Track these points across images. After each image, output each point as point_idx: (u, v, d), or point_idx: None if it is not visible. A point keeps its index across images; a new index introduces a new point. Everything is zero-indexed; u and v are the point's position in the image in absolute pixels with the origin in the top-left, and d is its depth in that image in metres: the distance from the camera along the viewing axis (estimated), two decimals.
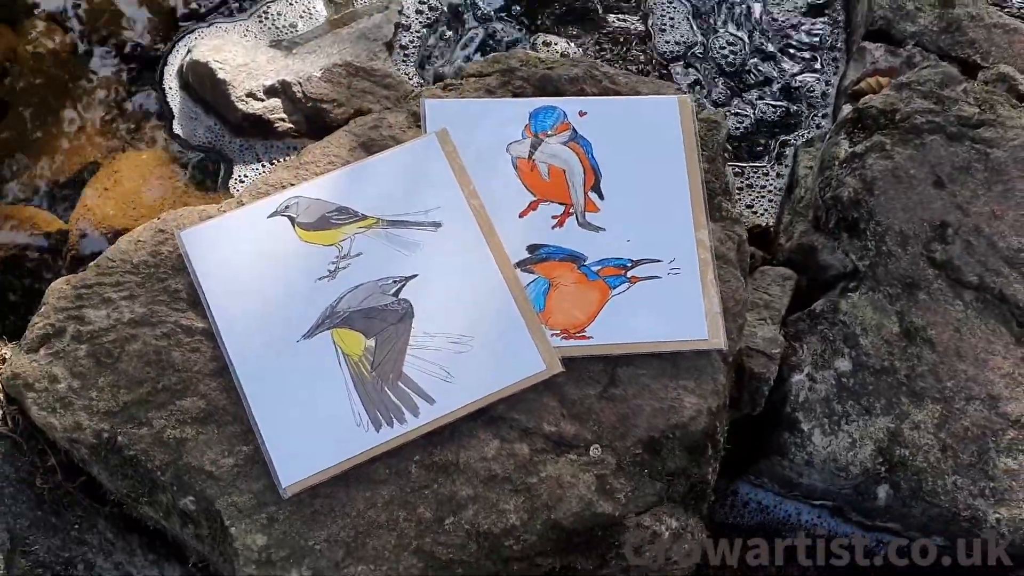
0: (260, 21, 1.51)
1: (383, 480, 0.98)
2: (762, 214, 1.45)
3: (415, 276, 1.06)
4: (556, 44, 1.50)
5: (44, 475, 1.06)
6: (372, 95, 1.39)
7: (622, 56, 1.46)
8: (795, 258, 1.32)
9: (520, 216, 1.11)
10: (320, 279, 1.05)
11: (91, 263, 1.10)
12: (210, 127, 1.44)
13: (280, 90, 1.40)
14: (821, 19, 1.59)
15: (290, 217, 1.08)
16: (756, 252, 1.34)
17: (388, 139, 1.16)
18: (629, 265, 1.09)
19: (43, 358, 1.04)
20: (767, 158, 1.49)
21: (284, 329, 1.03)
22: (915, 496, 1.14)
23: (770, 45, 1.57)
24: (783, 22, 1.59)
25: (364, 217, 1.09)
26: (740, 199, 1.45)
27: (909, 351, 1.19)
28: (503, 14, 1.56)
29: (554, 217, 1.11)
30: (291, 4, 1.52)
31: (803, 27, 1.59)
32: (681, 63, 1.54)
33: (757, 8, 1.60)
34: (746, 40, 1.57)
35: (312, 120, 1.39)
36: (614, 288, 1.08)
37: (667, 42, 1.52)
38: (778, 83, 1.54)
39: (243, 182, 1.39)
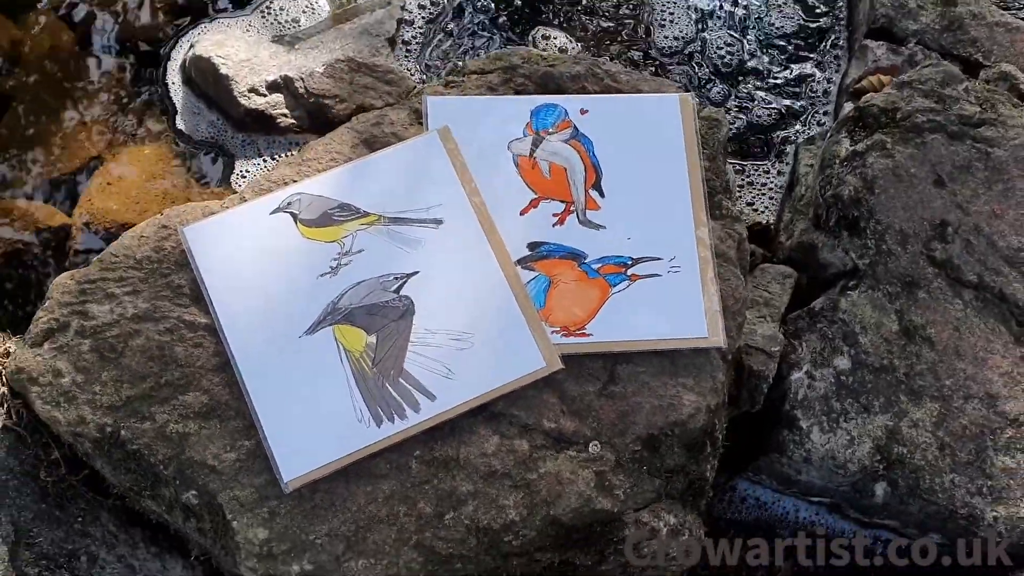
0: (263, 16, 1.51)
1: (384, 475, 0.99)
2: (763, 212, 1.45)
3: (416, 273, 1.06)
4: (556, 38, 1.50)
5: (48, 468, 1.06)
6: (374, 91, 1.39)
7: (621, 52, 1.46)
8: (795, 256, 1.32)
9: (521, 214, 1.11)
10: (322, 275, 1.06)
11: (95, 258, 1.10)
12: (212, 122, 1.44)
13: (282, 85, 1.41)
14: (823, 17, 1.59)
15: (292, 214, 1.09)
16: (756, 250, 1.35)
17: (390, 136, 1.16)
18: (629, 263, 1.09)
19: (47, 352, 1.05)
20: (768, 156, 1.49)
21: (286, 325, 1.03)
22: (913, 494, 1.15)
23: (772, 42, 1.57)
24: (785, 19, 1.59)
25: (366, 214, 1.09)
26: (741, 196, 1.46)
27: (908, 349, 1.19)
28: (503, 8, 1.56)
29: (555, 215, 1.11)
30: None
31: (805, 25, 1.59)
32: (681, 59, 1.54)
33: (759, 5, 1.60)
34: (747, 37, 1.57)
35: (314, 116, 1.40)
36: (614, 286, 1.08)
37: (666, 37, 1.52)
38: (780, 80, 1.54)
39: (244, 177, 1.39)
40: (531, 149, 1.15)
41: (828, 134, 1.41)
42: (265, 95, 1.41)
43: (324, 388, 1.01)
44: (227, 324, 1.03)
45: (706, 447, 1.07)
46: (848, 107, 1.42)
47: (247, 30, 1.49)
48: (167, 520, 1.05)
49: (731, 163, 1.46)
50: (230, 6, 1.53)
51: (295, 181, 1.12)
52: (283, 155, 1.41)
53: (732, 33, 1.57)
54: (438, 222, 1.09)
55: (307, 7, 1.52)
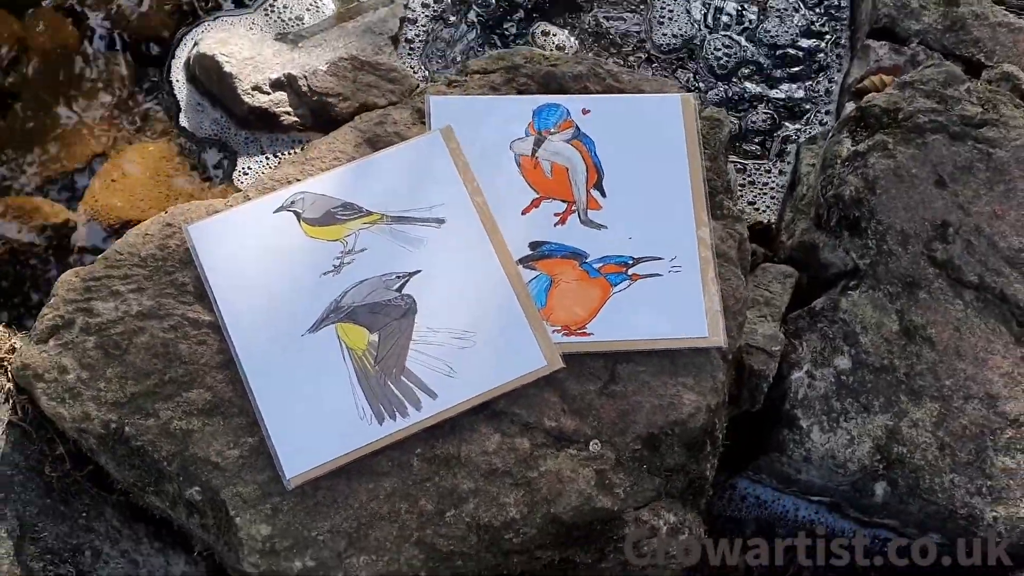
0: (266, 14, 1.51)
1: (385, 472, 1.00)
2: (764, 211, 1.45)
3: (418, 272, 1.07)
4: (556, 35, 1.50)
5: (53, 464, 1.07)
6: (377, 89, 1.40)
7: (621, 49, 1.46)
8: (796, 256, 1.33)
9: (523, 213, 1.12)
10: (325, 274, 1.07)
11: (100, 256, 1.11)
12: (216, 120, 1.44)
13: (286, 83, 1.41)
14: (825, 16, 1.59)
15: (296, 212, 1.10)
16: (758, 249, 1.35)
17: (393, 135, 1.17)
18: (630, 263, 1.10)
19: (52, 349, 1.06)
20: (770, 155, 1.50)
21: (289, 323, 1.04)
22: (912, 493, 1.15)
23: (774, 41, 1.57)
24: (787, 18, 1.59)
25: (369, 213, 1.10)
26: (742, 196, 1.46)
27: (908, 350, 1.19)
28: (504, 5, 1.56)
29: (556, 214, 1.12)
30: None
31: (807, 24, 1.59)
32: (681, 58, 1.54)
33: (761, 3, 1.60)
34: (749, 36, 1.57)
35: (317, 114, 1.40)
36: (615, 285, 1.09)
37: (664, 35, 1.52)
38: (782, 79, 1.55)
39: (247, 174, 1.40)
40: (533, 149, 1.15)
41: (830, 134, 1.41)
42: (269, 93, 1.41)
43: (327, 386, 1.02)
44: (231, 322, 1.04)
45: (706, 446, 1.07)
46: (850, 107, 1.42)
47: (251, 28, 1.50)
48: (170, 516, 1.06)
49: (732, 162, 1.46)
50: (232, 4, 1.53)
51: (299, 180, 1.13)
52: (286, 153, 1.41)
53: (734, 31, 1.57)
54: (440, 221, 1.10)
55: (311, 5, 1.52)
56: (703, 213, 1.12)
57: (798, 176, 1.44)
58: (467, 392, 1.02)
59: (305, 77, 1.40)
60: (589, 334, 1.06)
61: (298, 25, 1.50)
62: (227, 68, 1.41)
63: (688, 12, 1.55)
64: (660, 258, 1.10)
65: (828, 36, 1.58)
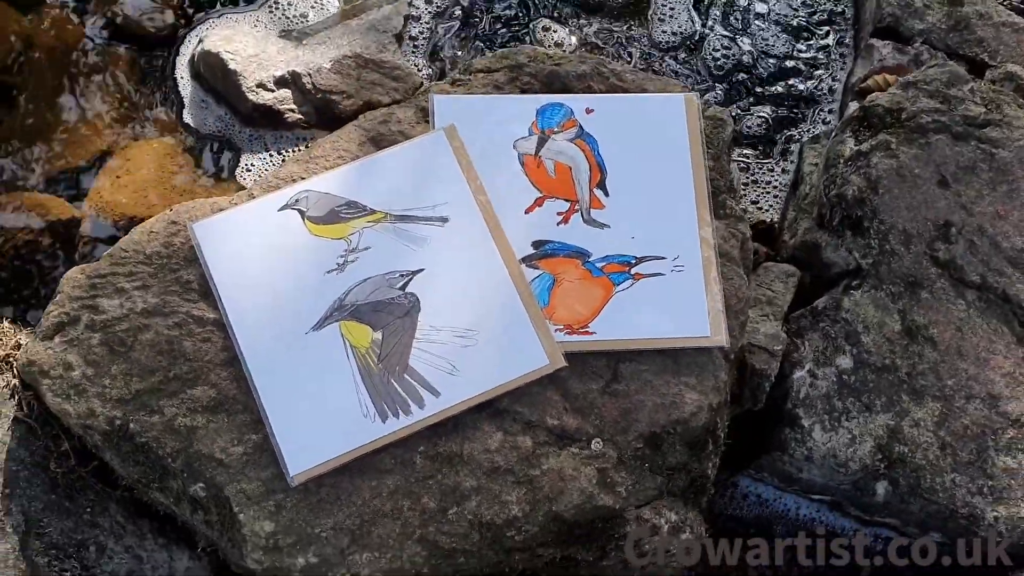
0: (270, 11, 1.51)
1: (388, 470, 1.00)
2: (767, 210, 1.45)
3: (422, 270, 1.07)
4: (556, 31, 1.50)
5: (58, 459, 1.07)
6: (381, 87, 1.40)
7: (623, 47, 1.46)
8: (799, 255, 1.33)
9: (526, 212, 1.12)
10: (329, 272, 1.07)
11: (105, 253, 1.11)
12: (220, 117, 1.45)
13: (290, 81, 1.41)
14: (829, 15, 1.59)
15: (300, 211, 1.10)
16: (760, 248, 1.35)
17: (397, 134, 1.17)
18: (633, 262, 1.10)
19: (58, 346, 1.06)
20: (773, 153, 1.50)
21: (293, 321, 1.04)
22: (913, 493, 1.15)
23: (778, 40, 1.57)
24: (791, 17, 1.59)
25: (373, 211, 1.10)
26: (745, 194, 1.46)
27: (910, 349, 1.20)
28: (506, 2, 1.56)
29: (559, 214, 1.12)
30: None
31: (811, 23, 1.59)
32: (685, 56, 1.54)
33: (765, 2, 1.60)
34: (753, 34, 1.57)
35: (321, 111, 1.40)
36: (618, 285, 1.09)
37: (663, 32, 1.52)
38: (785, 78, 1.54)
39: (250, 171, 1.40)
40: (536, 148, 1.15)
41: (833, 133, 1.41)
42: (273, 90, 1.41)
43: (330, 384, 1.02)
44: (235, 320, 1.05)
45: (708, 445, 1.08)
46: (853, 106, 1.42)
47: (255, 25, 1.50)
48: (174, 512, 1.07)
49: (736, 160, 1.46)
50: (239, 1, 1.53)
51: (303, 178, 1.13)
52: (290, 150, 1.41)
53: (737, 29, 1.57)
54: (444, 220, 1.10)
55: (315, 2, 1.53)
56: (706, 212, 1.13)
57: (801, 175, 1.44)
58: (470, 390, 1.02)
59: (309, 74, 1.40)
60: (591, 333, 1.06)
61: (302, 22, 1.51)
62: (232, 65, 1.41)
63: (689, 10, 1.55)
64: (663, 257, 1.10)
65: (832, 35, 1.58)
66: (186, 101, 1.46)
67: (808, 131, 1.51)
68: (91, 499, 1.08)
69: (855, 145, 1.32)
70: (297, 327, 1.04)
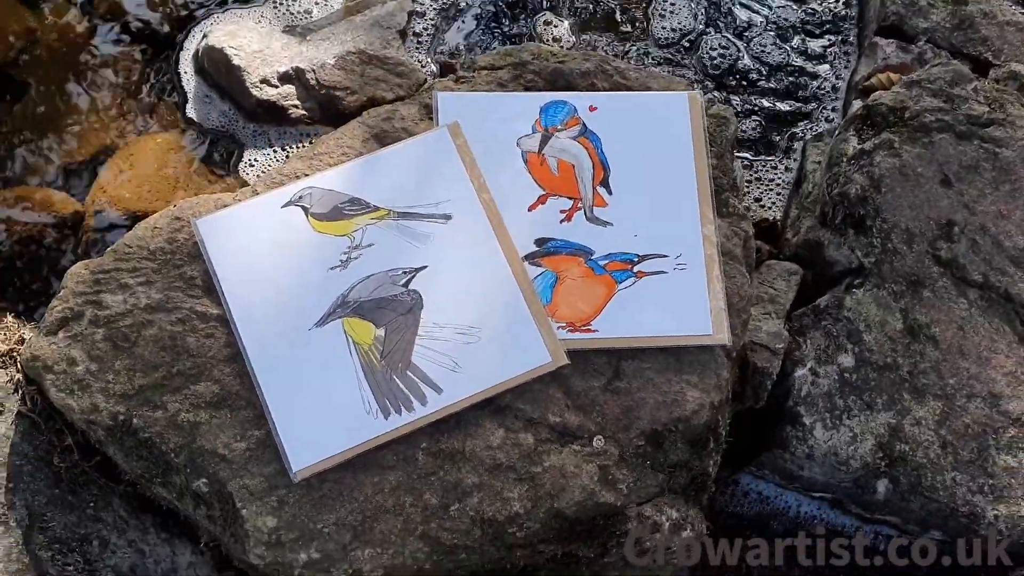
0: (275, 7, 1.51)
1: (391, 466, 1.01)
2: (770, 208, 1.45)
3: (425, 267, 1.07)
4: (557, 26, 1.50)
5: (61, 454, 1.08)
6: (385, 83, 1.40)
7: (625, 43, 1.46)
8: (801, 253, 1.33)
9: (529, 210, 1.12)
10: (332, 269, 1.07)
11: (109, 248, 1.12)
12: (224, 112, 1.45)
13: (294, 77, 1.41)
14: (833, 13, 1.59)
15: (304, 207, 1.10)
16: (763, 246, 1.35)
17: (400, 131, 1.17)
18: (636, 260, 1.10)
19: (62, 341, 1.07)
20: (776, 151, 1.50)
21: (297, 318, 1.05)
22: (914, 491, 1.16)
23: (782, 38, 1.57)
24: (795, 15, 1.59)
25: (376, 208, 1.10)
26: (748, 192, 1.46)
27: (912, 348, 1.20)
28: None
29: (562, 211, 1.12)
30: None
31: (815, 21, 1.59)
32: (688, 53, 1.54)
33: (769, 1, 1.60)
34: (757, 32, 1.57)
35: (325, 107, 1.40)
36: (620, 282, 1.09)
37: (663, 28, 1.51)
38: (789, 76, 1.54)
39: (253, 166, 1.41)
40: (540, 145, 1.15)
41: (836, 132, 1.41)
42: (277, 86, 1.42)
43: (333, 380, 1.03)
44: (239, 316, 1.05)
45: (709, 443, 1.08)
46: (856, 105, 1.42)
47: (259, 21, 1.50)
48: (177, 507, 1.07)
49: (739, 158, 1.46)
50: None
51: (306, 175, 1.13)
52: (294, 146, 1.42)
53: (740, 27, 1.57)
54: (447, 217, 1.10)
55: None
56: (709, 211, 1.13)
57: (804, 173, 1.44)
58: (472, 387, 1.02)
59: (313, 71, 1.41)
60: (594, 331, 1.06)
61: (306, 18, 1.51)
62: (236, 61, 1.41)
63: (691, 7, 1.55)
64: (665, 255, 1.10)
65: (836, 33, 1.57)
66: (190, 96, 1.46)
67: (811, 129, 1.51)
68: (94, 494, 1.08)
69: (858, 144, 1.32)
70: (300, 323, 1.05)
